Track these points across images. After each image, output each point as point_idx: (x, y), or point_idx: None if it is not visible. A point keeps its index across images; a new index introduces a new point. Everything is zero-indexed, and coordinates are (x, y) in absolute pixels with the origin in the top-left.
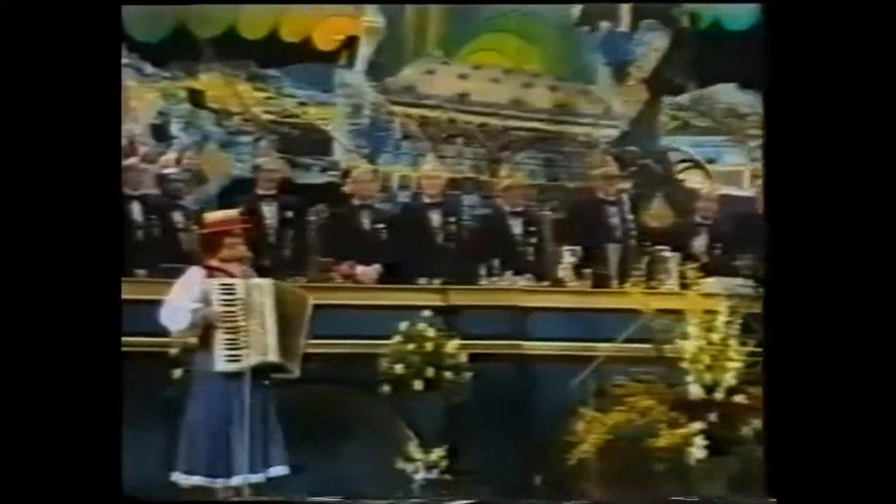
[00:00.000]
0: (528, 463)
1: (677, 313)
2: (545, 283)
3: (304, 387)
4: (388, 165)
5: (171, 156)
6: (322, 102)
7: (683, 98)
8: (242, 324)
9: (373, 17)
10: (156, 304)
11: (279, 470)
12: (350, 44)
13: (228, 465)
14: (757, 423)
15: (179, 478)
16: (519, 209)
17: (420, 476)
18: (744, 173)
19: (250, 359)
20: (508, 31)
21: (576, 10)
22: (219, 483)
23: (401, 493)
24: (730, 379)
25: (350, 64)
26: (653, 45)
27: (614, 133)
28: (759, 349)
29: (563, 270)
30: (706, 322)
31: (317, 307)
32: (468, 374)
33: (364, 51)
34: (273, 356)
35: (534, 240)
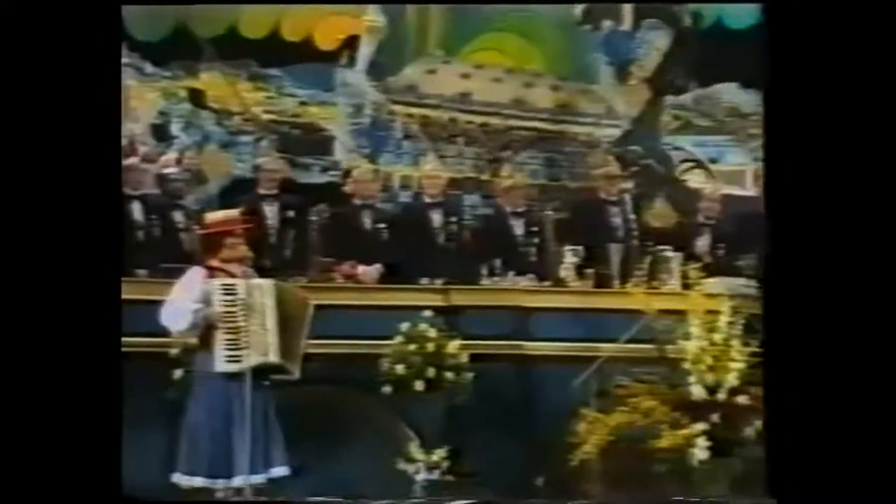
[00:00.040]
0: (529, 464)
1: (679, 314)
2: (547, 284)
3: (305, 387)
4: (390, 165)
5: (171, 156)
6: (323, 102)
7: (686, 97)
8: (243, 324)
9: (374, 16)
10: (156, 304)
11: (280, 471)
12: (351, 43)
13: (229, 465)
14: (759, 423)
15: (180, 479)
16: (520, 209)
17: (421, 477)
18: (746, 173)
19: (251, 359)
20: (510, 30)
21: (577, 9)
22: (219, 484)
23: (402, 494)
24: (732, 380)
25: (351, 63)
26: (655, 44)
27: (616, 133)
28: (762, 349)
29: (565, 271)
30: (708, 322)
31: (318, 307)
32: (469, 375)
33: (365, 50)
34: (274, 357)
35: (535, 240)
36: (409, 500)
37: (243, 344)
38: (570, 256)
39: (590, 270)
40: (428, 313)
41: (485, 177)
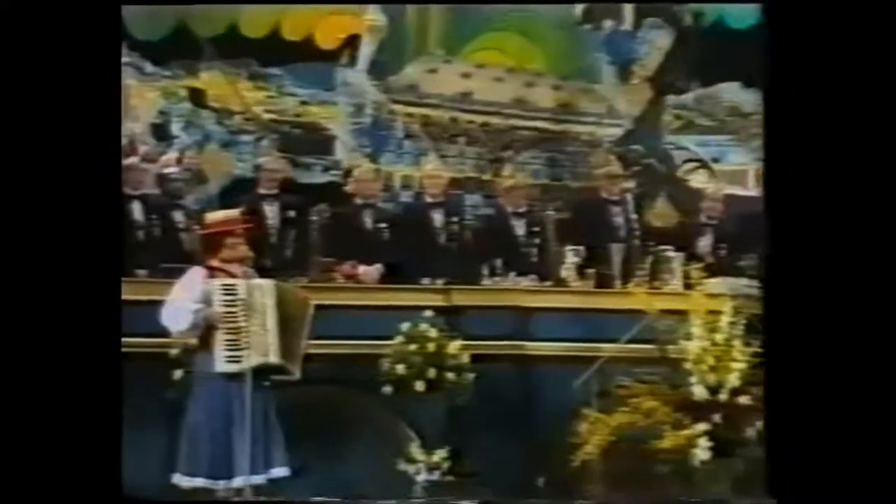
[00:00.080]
0: (530, 464)
1: (681, 314)
2: (548, 284)
3: (306, 388)
4: (391, 165)
5: (171, 155)
6: (324, 101)
7: (687, 97)
8: (243, 324)
9: (374, 15)
10: (156, 304)
11: (280, 471)
12: (352, 42)
13: (229, 466)
14: (761, 424)
15: (180, 479)
16: (522, 209)
17: (422, 477)
18: (748, 173)
19: (251, 360)
20: (511, 29)
21: (579, 8)
22: (220, 484)
23: (403, 495)
24: (734, 380)
25: (352, 63)
26: (656, 43)
27: (618, 132)
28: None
29: (567, 270)
30: (710, 323)
31: (318, 307)
32: (470, 375)
33: (366, 49)
34: (274, 357)
35: (537, 240)
36: (409, 500)
37: (243, 344)
38: (571, 256)
39: (591, 270)
40: (429, 313)
41: (486, 176)
